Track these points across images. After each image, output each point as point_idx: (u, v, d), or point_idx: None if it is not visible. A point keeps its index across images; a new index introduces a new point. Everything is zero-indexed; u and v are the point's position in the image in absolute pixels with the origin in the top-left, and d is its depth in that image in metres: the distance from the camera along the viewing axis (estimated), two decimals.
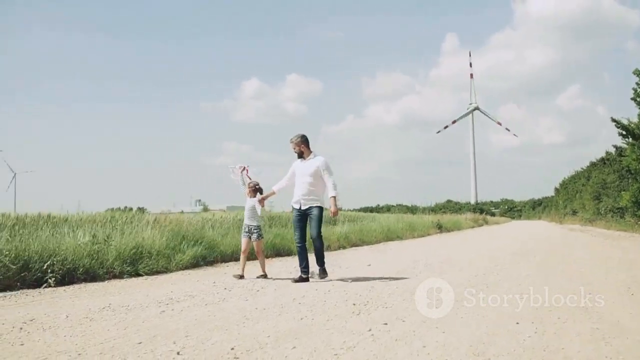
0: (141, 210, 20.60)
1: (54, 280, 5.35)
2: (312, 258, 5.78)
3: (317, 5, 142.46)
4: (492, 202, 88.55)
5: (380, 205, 74.20)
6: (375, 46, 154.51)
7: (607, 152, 28.13)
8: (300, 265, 5.75)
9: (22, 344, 2.98)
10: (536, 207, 74.91)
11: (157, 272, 6.52)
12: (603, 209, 24.21)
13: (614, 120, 18.76)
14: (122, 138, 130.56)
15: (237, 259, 7.06)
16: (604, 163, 28.43)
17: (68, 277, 5.56)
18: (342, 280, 5.72)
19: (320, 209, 5.76)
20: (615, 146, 23.96)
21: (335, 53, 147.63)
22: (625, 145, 19.42)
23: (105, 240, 6.33)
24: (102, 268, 5.96)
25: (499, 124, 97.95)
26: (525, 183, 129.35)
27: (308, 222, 5.77)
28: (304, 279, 5.67)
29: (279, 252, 9.23)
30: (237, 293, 4.84)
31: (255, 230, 6.03)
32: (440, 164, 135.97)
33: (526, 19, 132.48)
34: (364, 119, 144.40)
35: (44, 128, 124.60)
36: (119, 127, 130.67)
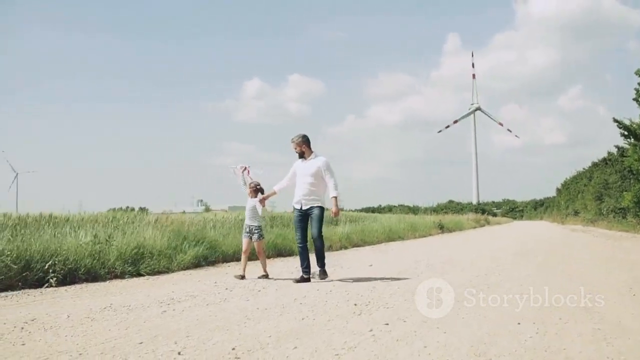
0: (143, 210, 20.63)
1: (55, 280, 5.36)
2: (313, 258, 5.78)
3: (318, 5, 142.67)
4: (493, 202, 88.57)
5: (382, 205, 74.31)
6: (377, 46, 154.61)
7: (609, 153, 28.06)
8: (302, 265, 5.75)
9: (23, 344, 2.99)
10: (538, 208, 74.90)
11: (159, 272, 6.53)
12: (605, 209, 24.16)
13: (615, 120, 18.74)
14: (122, 138, 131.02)
15: (238, 259, 7.06)
16: (606, 163, 28.35)
17: (69, 277, 5.57)
18: (343, 280, 5.72)
19: (322, 209, 5.76)
20: (617, 146, 23.88)
21: (337, 53, 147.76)
22: (627, 146, 19.39)
23: (107, 240, 6.34)
24: (103, 268, 5.97)
25: (501, 124, 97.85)
26: (527, 183, 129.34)
27: (309, 222, 5.77)
28: (305, 279, 5.67)
29: (280, 252, 9.23)
30: (238, 293, 4.84)
31: (256, 231, 6.03)
32: (442, 165, 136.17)
33: (528, 19, 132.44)
34: (365, 119, 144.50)
35: (44, 128, 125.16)
36: (119, 127, 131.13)
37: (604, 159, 29.29)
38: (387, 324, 3.37)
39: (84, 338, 3.09)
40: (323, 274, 5.75)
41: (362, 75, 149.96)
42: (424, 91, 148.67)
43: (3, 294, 4.87)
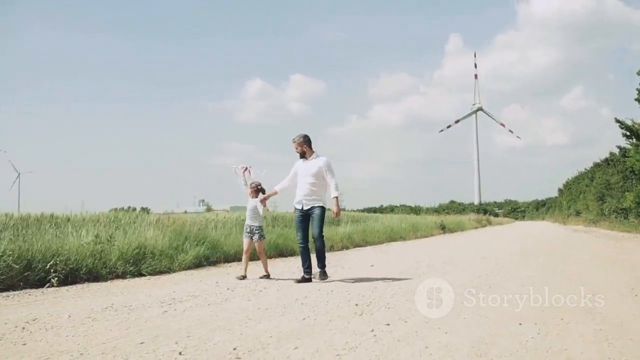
0: (145, 210, 20.65)
1: (56, 280, 5.36)
2: (314, 258, 5.78)
3: (318, 5, 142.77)
4: (495, 202, 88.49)
5: (384, 205, 74.14)
6: (378, 47, 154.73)
7: (611, 153, 28.03)
8: (303, 265, 5.74)
9: (24, 344, 2.99)
10: (540, 208, 74.82)
11: (160, 272, 6.53)
12: (607, 209, 24.11)
13: (618, 121, 18.72)
14: (122, 138, 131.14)
15: (240, 259, 7.06)
16: (608, 164, 28.31)
17: (71, 277, 5.58)
18: (344, 280, 5.72)
19: (322, 209, 5.75)
20: (619, 147, 23.88)
21: (337, 53, 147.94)
22: (629, 146, 19.37)
23: (108, 240, 6.34)
24: (105, 268, 5.97)
25: (502, 125, 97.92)
26: (529, 184, 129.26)
27: (310, 222, 5.76)
28: (306, 279, 5.66)
29: (281, 252, 9.23)
30: (239, 293, 4.84)
31: (256, 231, 6.02)
32: (444, 165, 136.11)
33: (529, 19, 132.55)
34: (367, 119, 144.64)
35: (44, 128, 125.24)
36: (119, 127, 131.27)
37: (606, 160, 29.25)
38: (389, 324, 3.36)
39: (85, 338, 3.09)
40: (323, 275, 5.75)
41: (364, 75, 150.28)
42: (426, 91, 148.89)
43: (4, 293, 4.88)
